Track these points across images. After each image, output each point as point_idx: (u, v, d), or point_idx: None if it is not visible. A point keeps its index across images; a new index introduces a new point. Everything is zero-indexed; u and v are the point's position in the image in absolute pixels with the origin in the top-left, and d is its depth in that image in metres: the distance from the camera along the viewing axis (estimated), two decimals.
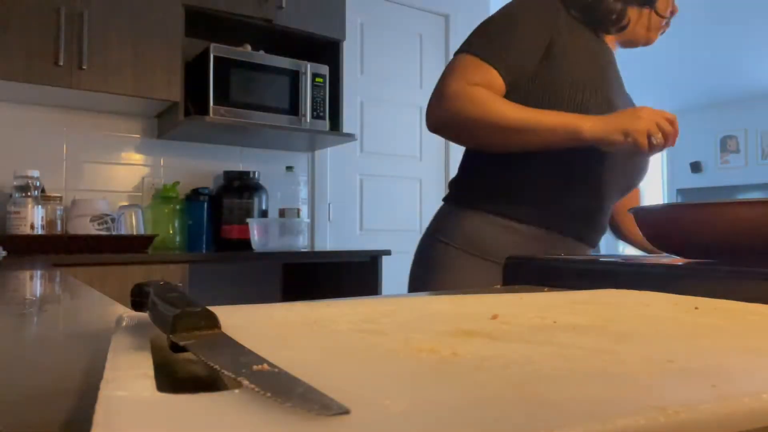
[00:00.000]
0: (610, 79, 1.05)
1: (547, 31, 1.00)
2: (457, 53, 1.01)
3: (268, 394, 0.18)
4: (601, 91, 1.02)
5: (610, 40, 1.11)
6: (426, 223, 1.12)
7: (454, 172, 3.13)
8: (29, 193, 1.94)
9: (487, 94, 0.95)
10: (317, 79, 2.39)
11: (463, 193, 1.08)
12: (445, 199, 1.13)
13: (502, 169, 1.03)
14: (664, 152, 7.22)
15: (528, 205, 1.02)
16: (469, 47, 0.99)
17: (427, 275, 1.06)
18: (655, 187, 6.46)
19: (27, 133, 2.18)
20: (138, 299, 0.32)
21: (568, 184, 1.03)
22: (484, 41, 0.99)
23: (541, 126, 0.93)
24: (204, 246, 2.37)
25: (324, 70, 2.42)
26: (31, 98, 2.11)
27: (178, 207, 2.33)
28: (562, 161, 0.99)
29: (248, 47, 2.36)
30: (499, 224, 1.01)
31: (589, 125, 0.91)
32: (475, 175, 1.08)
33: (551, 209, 1.02)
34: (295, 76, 2.34)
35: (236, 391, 0.19)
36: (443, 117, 0.98)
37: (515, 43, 0.98)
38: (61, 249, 1.85)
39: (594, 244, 1.10)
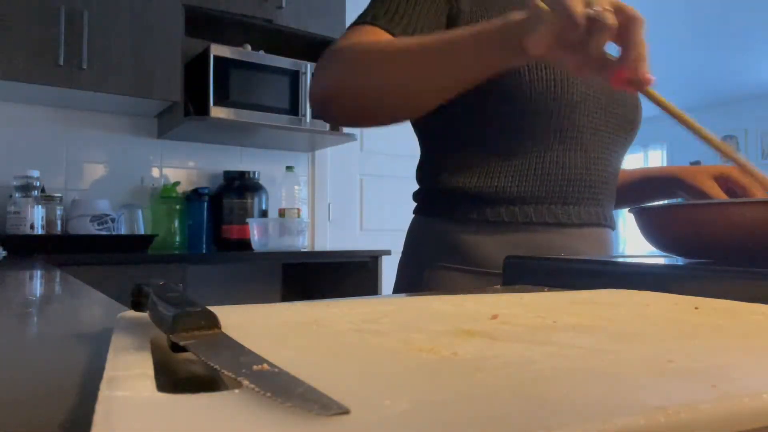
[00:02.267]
0: None
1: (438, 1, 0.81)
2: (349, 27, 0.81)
3: (268, 394, 0.18)
4: None
5: None
6: None
7: None
8: (29, 193, 1.94)
9: (369, 42, 0.74)
10: None
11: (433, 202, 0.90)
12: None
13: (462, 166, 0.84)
14: (664, 151, 7.11)
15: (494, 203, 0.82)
16: (363, 17, 0.80)
17: None
18: None
19: (27, 133, 2.18)
20: (138, 299, 0.32)
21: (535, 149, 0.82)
22: (379, 9, 0.79)
23: (451, 41, 0.67)
24: (204, 246, 2.37)
25: None
26: (31, 98, 2.11)
27: (178, 207, 2.33)
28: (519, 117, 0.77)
29: (248, 47, 2.36)
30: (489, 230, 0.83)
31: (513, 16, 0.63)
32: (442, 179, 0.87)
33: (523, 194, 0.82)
34: (295, 76, 2.34)
35: (236, 391, 0.19)
36: (325, 83, 0.75)
37: (414, 9, 0.79)
38: (61, 249, 1.85)
39: (605, 219, 0.88)
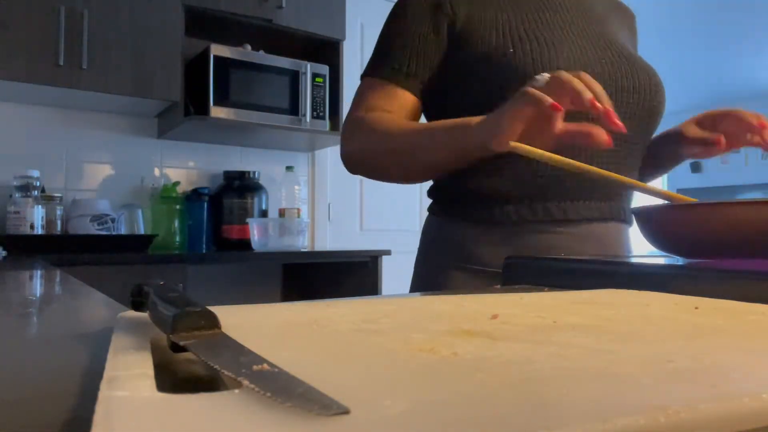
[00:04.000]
0: (542, 18, 0.85)
1: (436, 14, 0.85)
2: (361, 78, 0.92)
3: (268, 394, 0.18)
4: (535, 38, 0.81)
5: None
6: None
7: None
8: (29, 193, 1.94)
9: (378, 118, 0.84)
10: (317, 79, 2.39)
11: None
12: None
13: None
14: None
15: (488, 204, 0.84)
16: (367, 69, 0.90)
17: None
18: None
19: (27, 133, 2.18)
20: (138, 299, 0.32)
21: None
22: (379, 57, 0.89)
23: (427, 140, 0.79)
24: (204, 246, 2.37)
25: (324, 70, 2.43)
26: (31, 98, 2.11)
27: (178, 207, 2.33)
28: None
29: (248, 47, 2.36)
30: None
31: (477, 118, 0.72)
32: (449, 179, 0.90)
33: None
34: (295, 76, 2.34)
35: (236, 391, 0.19)
36: (350, 154, 0.89)
37: (409, 45, 0.86)
38: (61, 249, 1.85)
39: (618, 212, 0.86)
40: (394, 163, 0.86)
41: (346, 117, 0.90)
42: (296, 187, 2.48)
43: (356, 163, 0.89)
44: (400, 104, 0.87)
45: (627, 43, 0.94)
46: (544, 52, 0.80)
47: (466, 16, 0.85)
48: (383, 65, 0.88)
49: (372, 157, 0.87)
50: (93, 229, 2.06)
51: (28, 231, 1.90)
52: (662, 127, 0.94)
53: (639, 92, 0.86)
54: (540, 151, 0.63)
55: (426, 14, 0.86)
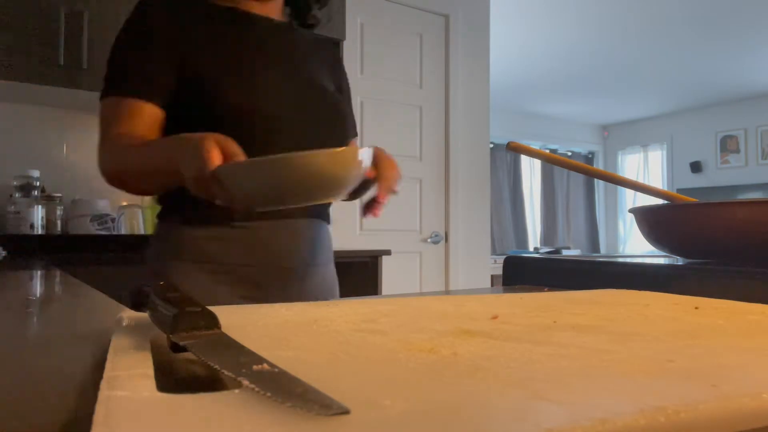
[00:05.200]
0: (249, 58, 0.98)
1: (174, 41, 0.95)
2: (100, 98, 1.00)
3: (268, 394, 0.18)
4: (240, 75, 0.95)
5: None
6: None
7: (454, 172, 3.12)
8: (29, 193, 1.94)
9: (116, 147, 0.96)
10: None
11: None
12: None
13: None
14: (664, 152, 7.11)
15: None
16: (107, 87, 0.98)
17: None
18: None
19: (27, 133, 2.18)
20: (138, 299, 0.32)
21: None
22: (118, 73, 0.98)
23: (152, 165, 0.86)
24: None
25: None
26: (31, 98, 2.11)
27: None
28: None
29: None
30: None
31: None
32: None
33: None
34: None
35: (236, 391, 0.19)
36: (106, 175, 0.98)
37: (147, 59, 0.95)
38: (61, 249, 1.85)
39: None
40: (143, 182, 0.93)
41: (101, 138, 0.98)
42: None
43: (118, 181, 0.96)
44: (147, 120, 0.96)
45: (322, 76, 1.09)
46: (245, 83, 0.95)
47: (195, 42, 0.96)
48: (126, 79, 0.96)
49: (127, 178, 0.94)
50: (93, 229, 2.06)
51: (28, 231, 1.90)
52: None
53: (321, 112, 1.02)
54: (537, 150, 0.66)
55: (165, 33, 0.95)
